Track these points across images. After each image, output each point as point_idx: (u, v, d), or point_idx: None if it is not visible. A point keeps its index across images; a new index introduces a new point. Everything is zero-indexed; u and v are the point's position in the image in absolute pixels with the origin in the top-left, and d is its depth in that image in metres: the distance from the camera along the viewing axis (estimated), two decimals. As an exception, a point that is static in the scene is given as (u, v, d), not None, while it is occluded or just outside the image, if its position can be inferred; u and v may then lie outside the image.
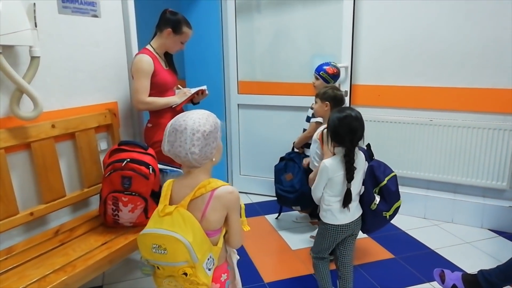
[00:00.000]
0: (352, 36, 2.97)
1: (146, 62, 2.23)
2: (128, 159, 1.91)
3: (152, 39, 2.37)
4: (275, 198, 2.92)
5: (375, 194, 1.89)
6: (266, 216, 3.17)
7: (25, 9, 1.80)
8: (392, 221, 2.95)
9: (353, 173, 1.71)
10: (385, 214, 1.90)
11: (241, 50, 3.42)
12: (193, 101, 2.51)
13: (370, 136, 3.19)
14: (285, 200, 2.76)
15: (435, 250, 2.56)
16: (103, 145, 2.38)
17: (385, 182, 1.87)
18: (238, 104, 3.51)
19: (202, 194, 1.18)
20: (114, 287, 2.26)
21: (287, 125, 3.31)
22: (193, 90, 2.43)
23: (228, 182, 3.73)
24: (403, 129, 3.06)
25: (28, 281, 1.52)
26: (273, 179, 2.93)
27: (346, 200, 1.74)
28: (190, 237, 1.10)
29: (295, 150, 2.86)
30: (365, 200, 1.85)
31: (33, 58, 1.86)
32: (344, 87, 3.08)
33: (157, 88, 2.33)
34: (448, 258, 2.46)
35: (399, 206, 1.94)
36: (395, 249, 2.57)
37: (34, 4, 1.84)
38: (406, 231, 2.84)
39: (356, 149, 1.75)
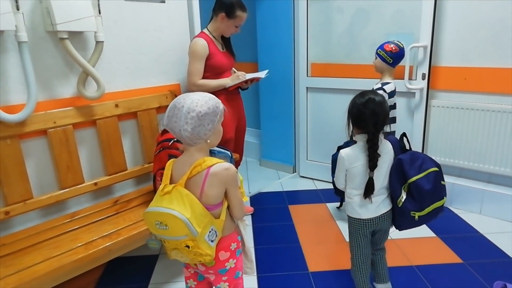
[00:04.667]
0: (434, 10, 2.62)
1: (200, 45, 2.28)
2: (175, 139, 2.00)
3: (209, 22, 2.41)
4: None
5: (402, 191, 1.68)
6: (327, 204, 3.05)
7: (90, -2, 1.98)
8: (469, 222, 2.64)
9: (377, 160, 1.57)
10: (414, 214, 1.67)
11: (312, 32, 3.28)
12: (241, 87, 2.50)
13: (453, 125, 2.85)
14: (340, 190, 2.61)
15: (516, 260, 2.19)
16: (164, 125, 2.53)
17: (413, 179, 1.63)
18: (306, 88, 3.40)
19: (199, 172, 1.22)
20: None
21: (357, 110, 3.10)
22: (249, 76, 2.41)
23: (294, 167, 3.71)
24: (494, 118, 2.64)
25: (78, 243, 1.72)
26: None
27: (368, 191, 1.60)
28: (187, 213, 1.15)
29: (353, 138, 2.67)
30: (392, 195, 1.70)
31: (97, 42, 2.05)
32: (422, 70, 2.76)
33: (213, 70, 2.37)
34: (532, 272, 2.08)
35: (437, 208, 1.67)
36: (465, 253, 2.27)
37: (98, -8, 2.01)
38: (484, 235, 2.48)
39: (381, 136, 1.61)
